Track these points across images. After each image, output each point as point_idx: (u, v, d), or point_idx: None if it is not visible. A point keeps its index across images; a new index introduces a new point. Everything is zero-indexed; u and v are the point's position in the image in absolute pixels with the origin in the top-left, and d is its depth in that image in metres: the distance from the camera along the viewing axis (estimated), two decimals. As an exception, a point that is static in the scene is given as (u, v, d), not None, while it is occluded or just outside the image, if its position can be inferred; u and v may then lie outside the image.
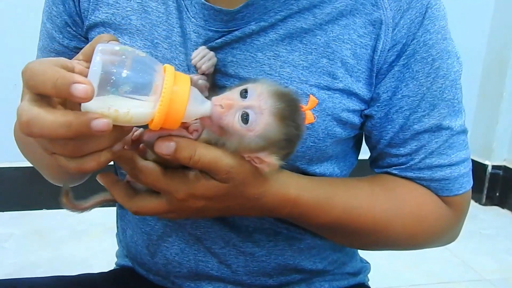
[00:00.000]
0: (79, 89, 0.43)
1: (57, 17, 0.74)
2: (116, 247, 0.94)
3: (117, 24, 0.70)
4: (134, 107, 0.47)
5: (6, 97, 2.06)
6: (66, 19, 0.74)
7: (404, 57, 0.67)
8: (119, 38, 0.69)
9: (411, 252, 1.91)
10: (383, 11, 0.66)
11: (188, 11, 0.67)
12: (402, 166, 0.72)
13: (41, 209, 2.23)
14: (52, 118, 0.45)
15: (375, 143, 0.73)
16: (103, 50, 0.47)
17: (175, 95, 0.48)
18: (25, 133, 0.45)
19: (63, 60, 0.49)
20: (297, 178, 0.66)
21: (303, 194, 0.64)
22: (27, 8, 2.05)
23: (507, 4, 2.57)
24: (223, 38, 0.66)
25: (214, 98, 0.53)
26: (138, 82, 0.47)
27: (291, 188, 0.64)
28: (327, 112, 0.67)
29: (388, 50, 0.67)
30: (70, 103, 0.51)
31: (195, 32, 0.67)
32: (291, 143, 0.55)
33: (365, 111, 0.71)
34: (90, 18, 0.71)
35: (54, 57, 0.75)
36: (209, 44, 0.66)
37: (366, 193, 0.71)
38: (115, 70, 0.46)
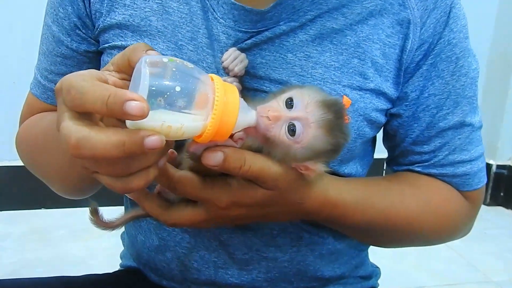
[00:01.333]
0: (133, 106, 0.41)
1: (65, 19, 0.72)
2: (118, 247, 0.92)
3: (135, 26, 0.67)
4: (187, 121, 0.45)
5: (5, 95, 2.05)
6: (75, 21, 0.71)
7: (432, 56, 0.68)
8: (138, 41, 0.66)
9: (416, 253, 1.93)
10: (411, 10, 0.66)
11: (214, 12, 0.65)
12: (425, 163, 0.73)
13: (40, 208, 2.21)
14: (105, 139, 0.42)
15: (400, 141, 0.74)
16: (152, 63, 0.44)
17: (226, 107, 0.47)
18: (75, 155, 0.43)
19: (95, 72, 0.47)
20: (335, 180, 0.65)
21: (342, 196, 0.64)
22: (26, 6, 2.02)
23: (511, 2, 2.55)
24: (253, 39, 0.64)
25: (260, 109, 0.52)
26: (189, 96, 0.45)
27: (331, 191, 0.63)
28: (359, 113, 0.67)
29: (416, 50, 0.67)
30: (107, 118, 0.49)
31: (224, 33, 0.65)
32: (338, 151, 0.55)
33: (392, 110, 0.71)
34: (104, 20, 0.69)
35: (60, 61, 0.74)
36: (238, 45, 0.64)
37: (396, 192, 0.71)
38: (166, 84, 0.44)
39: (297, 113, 0.52)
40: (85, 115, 0.44)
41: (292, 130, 0.51)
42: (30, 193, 2.14)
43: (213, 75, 0.49)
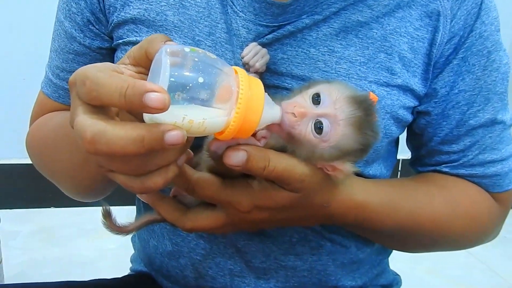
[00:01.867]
0: (153, 98, 0.38)
1: (78, 15, 0.70)
2: (127, 248, 0.90)
3: (151, 21, 0.65)
4: (209, 116, 0.42)
5: (15, 92, 2.04)
6: (88, 17, 0.69)
7: (462, 50, 0.66)
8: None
9: (433, 258, 1.88)
10: (440, 2, 0.64)
11: (234, 5, 0.63)
12: (454, 164, 0.71)
13: (49, 207, 2.20)
14: (122, 133, 0.39)
15: (427, 141, 0.71)
16: (173, 52, 0.42)
17: (251, 102, 0.44)
18: (90, 150, 0.40)
19: (111, 65, 0.45)
20: (362, 182, 0.63)
21: (370, 198, 0.62)
22: (37, 0, 2.01)
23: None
24: (274, 33, 0.62)
25: (285, 105, 0.49)
26: (212, 88, 0.42)
27: (358, 193, 0.61)
28: (386, 110, 0.64)
29: (446, 43, 0.65)
30: (123, 113, 0.47)
31: (244, 28, 0.63)
32: (367, 151, 0.52)
33: (420, 108, 0.69)
34: (118, 14, 0.67)
35: (73, 59, 0.72)
36: (259, 40, 0.62)
37: (424, 194, 0.69)
38: (188, 75, 0.41)
39: (324, 109, 0.49)
40: (101, 109, 0.42)
41: (319, 128, 0.49)
42: (39, 192, 2.13)
43: (237, 68, 0.46)
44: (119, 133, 0.39)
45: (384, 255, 0.82)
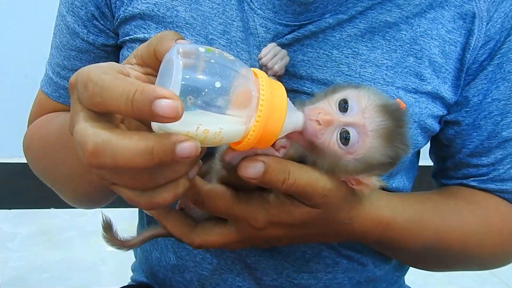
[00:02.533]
0: (164, 106, 0.34)
1: (81, 9, 0.66)
2: (130, 254, 0.83)
3: (160, 16, 0.61)
4: (226, 125, 0.39)
5: (17, 90, 2.01)
6: (93, 11, 0.66)
7: (498, 56, 0.62)
8: None
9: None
10: (476, 3, 0.60)
11: (251, 2, 0.60)
12: (482, 178, 0.68)
13: (50, 207, 2.17)
14: (129, 145, 0.35)
15: (454, 152, 0.68)
16: (186, 53, 0.38)
17: (273, 109, 0.41)
18: (92, 164, 0.36)
19: (116, 65, 0.41)
20: (387, 197, 0.59)
21: (396, 215, 0.58)
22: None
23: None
24: (295, 33, 0.58)
25: (309, 111, 0.46)
26: (229, 93, 0.38)
27: (384, 210, 0.57)
28: (414, 119, 0.61)
29: (480, 48, 0.62)
30: (128, 120, 0.43)
31: (262, 26, 0.59)
32: (395, 165, 0.48)
33: (449, 117, 0.65)
34: (125, 9, 0.63)
35: (75, 56, 0.68)
36: (278, 40, 0.59)
37: (453, 211, 0.65)
38: (203, 79, 0.37)
39: (352, 118, 0.46)
40: (105, 116, 0.38)
41: (345, 138, 0.46)
42: (39, 191, 2.07)
43: (257, 70, 0.43)
44: (125, 144, 0.36)
45: (402, 271, 0.78)
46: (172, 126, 0.36)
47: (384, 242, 0.60)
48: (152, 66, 0.44)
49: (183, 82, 0.36)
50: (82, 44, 0.68)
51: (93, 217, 1.92)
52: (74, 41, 0.68)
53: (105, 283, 1.60)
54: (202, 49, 0.39)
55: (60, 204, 2.14)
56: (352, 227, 0.55)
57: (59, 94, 0.72)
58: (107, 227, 0.58)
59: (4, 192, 2.14)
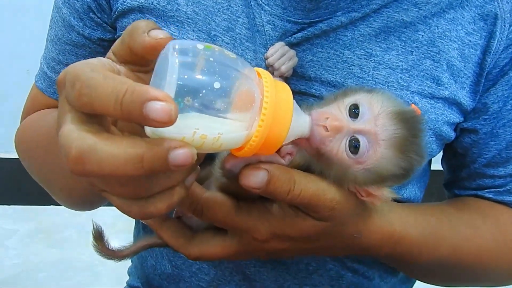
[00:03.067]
0: (156, 109, 0.31)
1: (77, 0, 0.64)
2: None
3: (160, 10, 0.59)
4: (226, 130, 0.36)
5: (19, 85, 1.94)
6: (89, 3, 0.63)
7: None
8: (163, 28, 0.57)
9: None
10: (498, 3, 0.58)
11: None
12: (499, 189, 0.65)
13: (49, 204, 2.12)
14: (117, 151, 0.32)
15: (470, 162, 0.65)
16: (183, 50, 0.35)
17: (278, 113, 0.38)
18: (75, 171, 0.33)
19: (108, 62, 0.38)
20: (399, 210, 0.56)
21: (408, 229, 0.55)
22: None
23: None
24: (304, 32, 0.56)
25: (316, 115, 0.43)
26: (230, 95, 0.35)
27: (395, 223, 0.54)
28: (429, 126, 0.58)
29: (502, 51, 0.59)
30: (123, 123, 0.40)
31: (269, 24, 0.56)
32: (408, 177, 0.46)
33: (466, 124, 0.63)
34: (123, 2, 0.60)
35: (70, 50, 0.65)
36: (286, 39, 0.56)
37: (468, 225, 0.62)
38: (201, 79, 0.34)
39: (363, 125, 0.43)
40: (94, 118, 0.35)
41: (355, 146, 0.43)
42: (39, 188, 2.06)
43: (261, 70, 0.40)
44: (112, 151, 0.33)
45: (408, 284, 0.76)
46: (167, 131, 0.33)
47: (395, 257, 0.57)
48: (133, 63, 0.40)
49: (179, 82, 0.33)
50: (78, 38, 0.65)
51: (92, 215, 1.88)
52: (70, 34, 0.65)
53: (102, 284, 1.59)
54: (200, 46, 0.36)
55: (59, 201, 2.14)
56: (361, 241, 0.52)
57: (53, 90, 0.70)
58: (98, 236, 0.56)
59: (4, 188, 2.13)
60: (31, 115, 0.71)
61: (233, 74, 0.36)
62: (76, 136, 0.33)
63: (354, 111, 0.44)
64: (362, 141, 0.43)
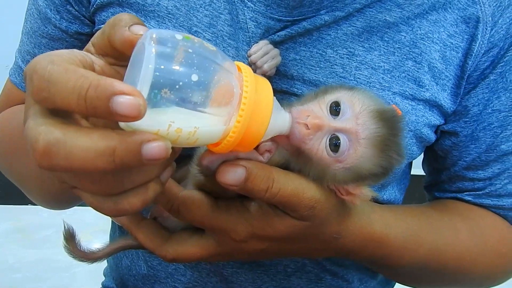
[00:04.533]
0: (123, 103, 0.30)
1: None
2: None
3: (140, 4, 0.57)
4: (203, 124, 0.35)
5: None
6: None
7: (501, 64, 0.59)
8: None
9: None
10: (481, 6, 0.57)
11: None
12: (478, 192, 0.65)
13: (26, 204, 2.09)
14: (87, 144, 0.31)
15: (450, 165, 0.65)
16: (160, 39, 0.34)
17: (257, 108, 0.37)
18: (43, 165, 0.32)
19: (77, 53, 0.36)
20: (380, 211, 0.56)
21: (389, 231, 0.55)
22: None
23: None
24: (288, 30, 0.55)
25: (296, 113, 0.42)
26: (208, 88, 0.35)
27: (376, 225, 0.54)
28: (409, 128, 0.58)
29: (483, 55, 0.59)
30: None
31: (252, 21, 0.55)
32: (386, 175, 0.45)
33: (446, 127, 0.62)
34: None
35: (46, 44, 0.63)
36: (269, 37, 0.55)
37: (449, 228, 0.62)
38: (178, 70, 0.33)
39: (344, 123, 0.43)
40: (60, 112, 0.34)
41: (335, 145, 0.42)
42: (16, 187, 2.03)
43: (241, 64, 0.39)
44: (82, 144, 0.31)
45: (388, 287, 0.75)
46: (141, 123, 0.32)
47: (375, 260, 0.57)
48: (112, 56, 0.39)
49: (155, 73, 0.32)
50: (54, 31, 0.63)
51: (72, 215, 1.86)
52: (46, 27, 0.63)
53: (79, 285, 1.57)
54: (179, 36, 0.35)
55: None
56: (342, 243, 0.51)
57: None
58: (69, 237, 0.54)
59: (-20, 187, 2.08)
60: (4, 112, 0.69)
61: (212, 67, 0.35)
62: (43, 129, 0.32)
63: (335, 109, 0.43)
64: (343, 139, 0.42)
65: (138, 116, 0.30)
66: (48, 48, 0.64)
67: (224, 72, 0.36)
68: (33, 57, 0.64)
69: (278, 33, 0.55)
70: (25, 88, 0.65)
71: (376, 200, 0.61)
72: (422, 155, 0.69)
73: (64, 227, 0.54)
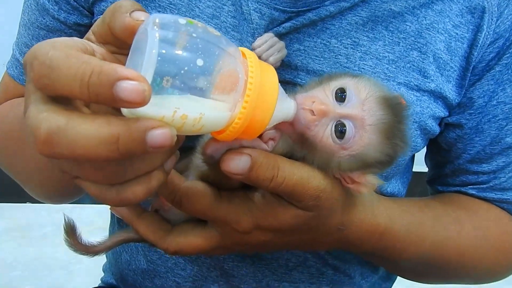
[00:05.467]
0: (127, 89, 0.29)
1: None
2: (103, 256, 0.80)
3: None
4: (208, 110, 0.34)
5: None
6: None
7: (507, 55, 0.59)
8: None
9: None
10: None
11: None
12: (482, 186, 0.64)
13: (25, 202, 2.09)
14: (89, 132, 0.30)
15: (454, 158, 0.65)
16: (163, 24, 0.33)
17: (263, 94, 0.36)
18: (45, 153, 0.31)
19: (77, 41, 0.35)
20: (384, 203, 0.55)
21: (393, 223, 0.54)
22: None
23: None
24: (292, 21, 0.54)
25: (302, 99, 0.42)
26: (213, 74, 0.34)
27: (381, 217, 0.53)
28: (414, 119, 0.57)
29: (488, 46, 0.58)
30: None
31: (256, 12, 0.54)
32: (391, 164, 0.45)
33: (451, 119, 0.62)
34: None
35: (44, 35, 0.63)
36: (274, 28, 0.54)
37: (452, 221, 0.62)
38: (183, 55, 0.33)
39: (350, 109, 0.42)
40: (62, 98, 0.33)
41: (340, 132, 0.42)
42: (16, 185, 2.01)
43: (246, 50, 0.38)
44: (85, 131, 0.31)
45: (389, 282, 0.75)
46: (145, 110, 0.31)
47: (378, 252, 0.56)
48: (113, 44, 0.38)
49: (159, 58, 0.31)
50: (52, 23, 0.62)
51: (71, 213, 1.85)
52: (44, 18, 0.62)
53: (78, 283, 1.56)
54: (182, 20, 0.34)
55: (36, 199, 2.10)
56: (346, 234, 0.51)
57: (25, 76, 0.66)
58: (70, 230, 0.53)
59: (-23, 185, 2.07)
60: (3, 105, 0.68)
61: (217, 52, 0.34)
62: (45, 116, 0.31)
63: (340, 95, 0.42)
64: (349, 126, 0.42)
65: (142, 102, 0.30)
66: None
67: (229, 58, 0.35)
68: None
69: (283, 25, 0.54)
70: (23, 81, 0.65)
71: (379, 193, 0.60)
72: (424, 150, 0.68)
73: (65, 220, 0.53)
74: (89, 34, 0.38)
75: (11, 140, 0.63)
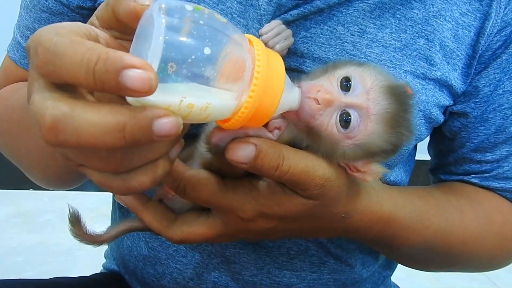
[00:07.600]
0: (134, 77, 0.29)
1: None
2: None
3: None
4: (214, 99, 0.33)
5: None
6: None
7: None
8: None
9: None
10: None
11: None
12: (485, 175, 0.64)
13: (28, 189, 2.09)
14: (95, 120, 0.30)
15: (458, 146, 0.64)
16: (169, 10, 0.32)
17: (269, 83, 0.36)
18: (50, 141, 0.31)
19: (81, 26, 0.34)
20: (388, 191, 0.55)
21: (397, 211, 0.54)
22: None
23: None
24: (300, 9, 0.53)
25: (307, 87, 0.41)
26: (220, 62, 0.33)
27: (385, 205, 0.53)
28: (419, 108, 0.56)
29: (496, 34, 0.57)
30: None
31: None
32: (395, 153, 0.44)
33: (455, 108, 0.61)
34: None
35: (46, 18, 0.61)
36: (281, 16, 0.53)
37: (455, 209, 0.61)
38: (189, 43, 0.32)
39: (355, 99, 0.42)
40: (67, 85, 0.32)
41: (345, 121, 0.41)
42: (19, 171, 2.01)
43: (252, 37, 0.38)
44: (91, 119, 0.30)
45: (389, 271, 0.75)
46: (151, 99, 0.31)
47: (382, 240, 0.56)
48: (117, 29, 0.37)
49: (165, 46, 0.31)
50: (55, 5, 0.61)
51: (74, 200, 1.86)
52: (46, 1, 0.61)
53: (80, 269, 1.55)
54: (189, 7, 0.33)
55: (39, 185, 2.10)
56: (349, 222, 0.50)
57: (27, 61, 0.65)
58: (74, 220, 0.53)
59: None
60: (3, 90, 0.67)
61: (224, 39, 0.33)
62: (50, 104, 0.30)
63: (345, 84, 0.42)
64: (353, 115, 0.41)
65: (149, 91, 0.29)
66: (48, 23, 0.61)
67: (236, 45, 0.35)
68: (33, 33, 0.62)
69: (291, 12, 0.53)
70: (24, 64, 0.64)
71: (382, 181, 0.59)
72: (427, 139, 0.68)
73: (69, 210, 0.53)
74: (93, 18, 0.38)
75: (13, 125, 0.62)
